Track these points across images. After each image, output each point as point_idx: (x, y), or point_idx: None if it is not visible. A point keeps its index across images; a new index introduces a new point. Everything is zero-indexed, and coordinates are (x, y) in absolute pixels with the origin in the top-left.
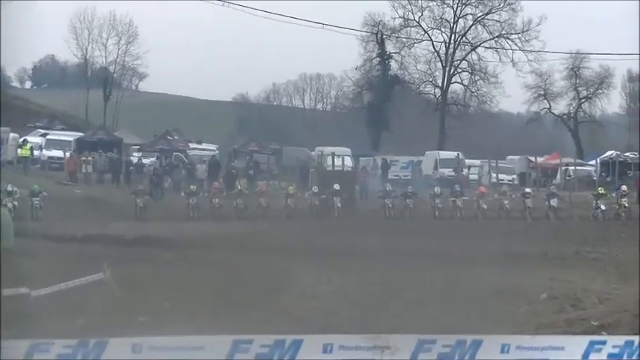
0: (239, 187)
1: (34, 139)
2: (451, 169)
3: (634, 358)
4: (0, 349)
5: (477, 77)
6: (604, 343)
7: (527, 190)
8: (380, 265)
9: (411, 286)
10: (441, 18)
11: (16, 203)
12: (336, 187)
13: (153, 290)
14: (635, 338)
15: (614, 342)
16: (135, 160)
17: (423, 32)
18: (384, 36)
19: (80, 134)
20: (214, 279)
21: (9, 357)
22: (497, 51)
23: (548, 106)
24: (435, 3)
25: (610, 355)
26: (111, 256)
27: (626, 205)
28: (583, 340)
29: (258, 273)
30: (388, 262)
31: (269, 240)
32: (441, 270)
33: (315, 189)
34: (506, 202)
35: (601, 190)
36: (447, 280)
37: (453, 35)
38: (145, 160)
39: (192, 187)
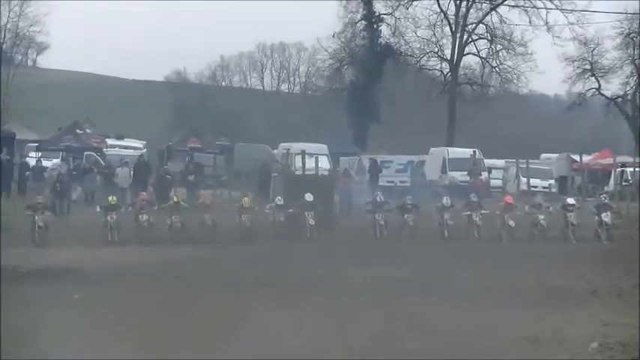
0: (175, 199)
1: None
2: (465, 173)
3: None
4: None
5: (499, 46)
6: None
7: (570, 200)
8: (366, 306)
9: (412, 336)
10: None
11: None
12: (308, 197)
13: (53, 343)
14: None
15: None
16: (32, 162)
17: None
18: None
19: None
20: (141, 326)
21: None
22: (525, 11)
23: (596, 85)
24: None
25: None
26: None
27: None
28: None
29: (199, 317)
30: (378, 301)
31: (215, 271)
32: (452, 311)
33: (278, 201)
34: (541, 217)
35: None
36: (461, 326)
37: None
38: (46, 163)
39: (110, 198)
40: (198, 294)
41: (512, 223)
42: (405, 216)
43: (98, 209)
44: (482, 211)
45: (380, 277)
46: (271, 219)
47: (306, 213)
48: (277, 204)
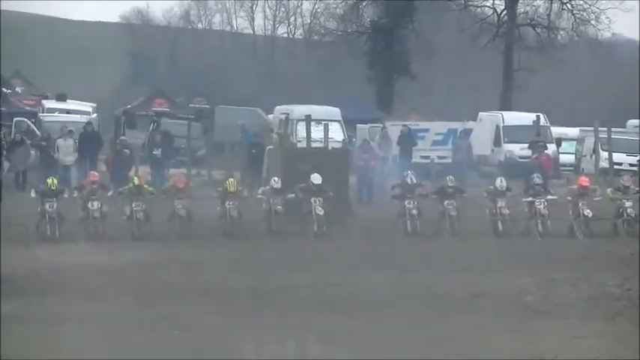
0: (136, 181)
1: None
2: (525, 146)
3: None
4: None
5: None
6: None
7: None
8: (395, 331)
9: None
10: None
11: None
12: (315, 179)
13: None
14: None
15: None
16: None
17: None
18: None
19: None
20: (84, 348)
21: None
22: None
23: None
24: None
25: None
26: None
27: None
28: None
29: (162, 342)
30: (413, 323)
31: (188, 279)
32: (515, 337)
33: (275, 183)
34: (628, 204)
35: None
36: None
37: None
38: None
39: (50, 181)
40: (164, 309)
41: (588, 212)
42: (445, 203)
43: (33, 194)
44: (549, 197)
45: (413, 288)
46: (265, 207)
47: (312, 200)
48: (273, 187)
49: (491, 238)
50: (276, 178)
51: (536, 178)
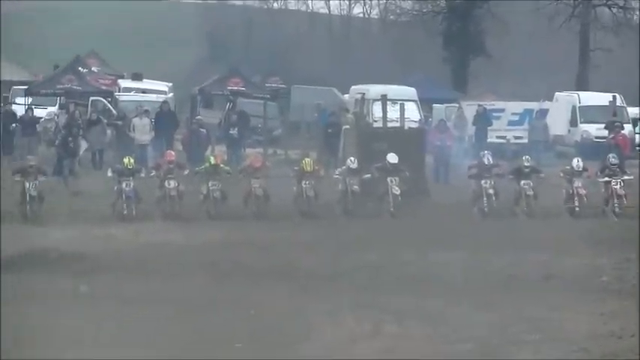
0: (212, 161)
1: None
2: (602, 126)
3: None
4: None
5: None
6: None
7: None
8: (474, 313)
9: None
10: None
11: None
12: (392, 158)
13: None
14: None
15: None
16: (20, 111)
17: None
18: None
19: None
20: (162, 328)
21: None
22: None
23: None
24: None
25: None
26: None
27: None
28: None
29: (239, 321)
30: (486, 304)
31: (265, 258)
32: (594, 321)
33: (351, 163)
34: None
35: None
36: None
37: None
38: (38, 112)
39: (126, 160)
40: (241, 289)
41: None
42: (522, 183)
43: (110, 174)
44: (625, 177)
45: (489, 269)
46: (342, 187)
47: (388, 179)
48: (350, 167)
49: (568, 219)
50: (352, 158)
51: (612, 159)
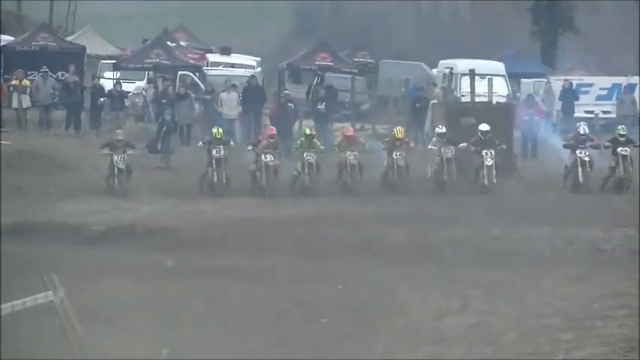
0: (307, 132)
1: None
2: None
3: None
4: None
5: None
6: None
7: None
8: (557, 285)
9: None
10: None
11: None
12: (484, 127)
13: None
14: None
15: None
16: (109, 85)
17: None
18: None
19: (8, 39)
20: (252, 303)
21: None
22: None
23: None
24: None
25: None
26: (65, 261)
27: None
28: None
29: (327, 295)
30: (575, 278)
31: (355, 232)
32: None
33: (439, 129)
34: None
35: None
36: None
37: None
38: (127, 86)
39: (215, 130)
40: (328, 264)
41: None
42: (620, 150)
43: (201, 144)
44: None
45: (577, 243)
46: (437, 159)
47: (484, 152)
48: (441, 134)
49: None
50: (440, 125)
51: None
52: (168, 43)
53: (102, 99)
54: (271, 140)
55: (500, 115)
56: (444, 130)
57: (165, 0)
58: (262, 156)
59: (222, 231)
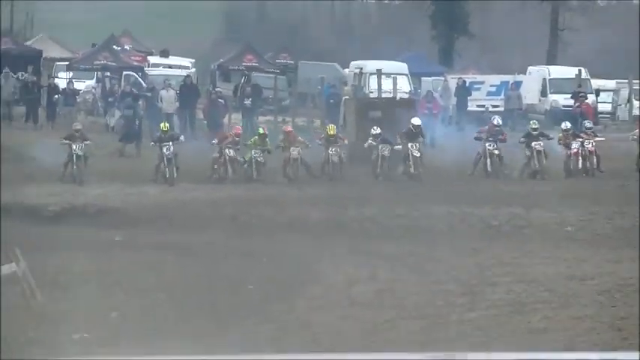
0: (261, 131)
1: None
2: (568, 96)
3: None
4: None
5: None
6: None
7: None
8: (452, 256)
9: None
10: None
11: None
12: (416, 121)
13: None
14: None
15: None
16: (62, 84)
17: None
18: None
19: None
20: (186, 272)
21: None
22: None
23: None
24: None
25: None
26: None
27: None
28: None
29: (257, 266)
30: (467, 250)
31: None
32: (559, 265)
33: (374, 131)
34: None
35: None
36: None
37: None
38: (78, 85)
39: (163, 125)
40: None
41: None
42: (534, 145)
43: (152, 144)
44: (598, 139)
45: (470, 220)
46: (374, 154)
47: (409, 145)
48: (376, 135)
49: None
50: (375, 127)
51: (587, 123)
52: (114, 46)
53: (56, 96)
54: (236, 138)
55: (404, 109)
56: (378, 131)
57: (111, 0)
58: (226, 150)
59: (164, 211)
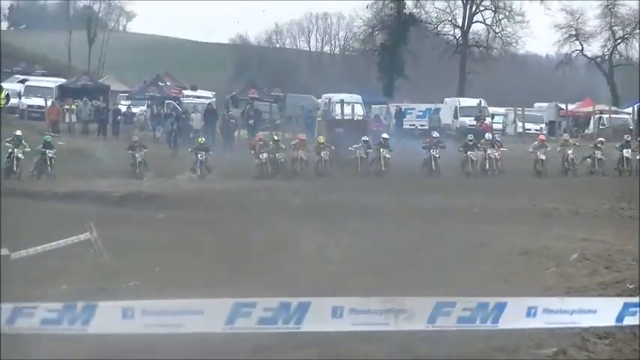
0: (275, 138)
1: (11, 85)
2: (472, 118)
3: None
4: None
5: (501, 16)
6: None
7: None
8: (390, 231)
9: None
10: None
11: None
12: (385, 135)
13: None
14: None
15: None
16: (123, 108)
17: None
18: None
19: (62, 80)
20: (211, 241)
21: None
22: None
23: (580, 47)
24: None
25: None
26: (100, 215)
27: None
28: (617, 303)
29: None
30: (403, 227)
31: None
32: (468, 239)
33: (362, 139)
34: (569, 152)
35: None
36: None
37: None
38: (134, 109)
39: (200, 139)
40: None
41: (543, 157)
42: (469, 154)
43: (190, 150)
44: (502, 149)
45: (408, 205)
46: (356, 156)
47: (381, 150)
48: (364, 141)
49: (464, 175)
50: (365, 137)
51: (487, 135)
52: (159, 83)
53: (119, 117)
54: (261, 143)
55: (359, 127)
56: (366, 137)
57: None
58: (261, 155)
59: (194, 197)
